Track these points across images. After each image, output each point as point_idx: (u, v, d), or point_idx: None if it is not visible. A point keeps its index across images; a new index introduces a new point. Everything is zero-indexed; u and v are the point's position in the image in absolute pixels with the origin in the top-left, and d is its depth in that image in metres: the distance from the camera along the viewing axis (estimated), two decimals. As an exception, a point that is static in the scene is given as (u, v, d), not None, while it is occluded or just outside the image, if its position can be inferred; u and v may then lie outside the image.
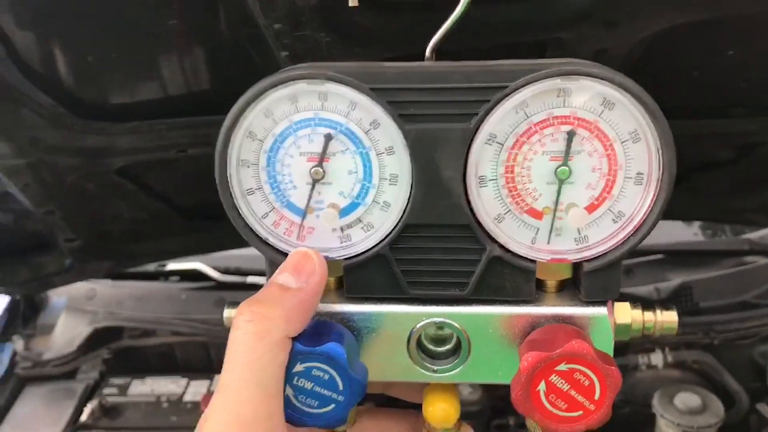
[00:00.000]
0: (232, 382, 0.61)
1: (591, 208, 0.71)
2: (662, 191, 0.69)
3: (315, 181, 0.71)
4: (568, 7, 0.87)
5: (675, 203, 0.70)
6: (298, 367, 0.66)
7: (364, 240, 0.74)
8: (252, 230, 0.74)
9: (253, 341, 0.62)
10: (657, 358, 1.75)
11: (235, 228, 0.74)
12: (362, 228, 0.73)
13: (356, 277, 0.74)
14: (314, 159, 0.71)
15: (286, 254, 0.73)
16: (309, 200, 0.72)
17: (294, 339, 0.66)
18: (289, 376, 0.66)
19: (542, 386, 0.67)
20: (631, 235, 0.71)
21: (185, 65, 1.08)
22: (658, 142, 0.67)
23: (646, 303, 0.75)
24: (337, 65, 0.68)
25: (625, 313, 0.73)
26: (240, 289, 2.14)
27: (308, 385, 0.67)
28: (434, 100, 0.67)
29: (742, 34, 0.97)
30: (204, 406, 1.75)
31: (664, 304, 0.75)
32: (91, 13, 0.95)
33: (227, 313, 0.76)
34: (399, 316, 0.75)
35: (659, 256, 2.10)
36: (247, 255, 2.13)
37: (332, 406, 0.68)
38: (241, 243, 1.73)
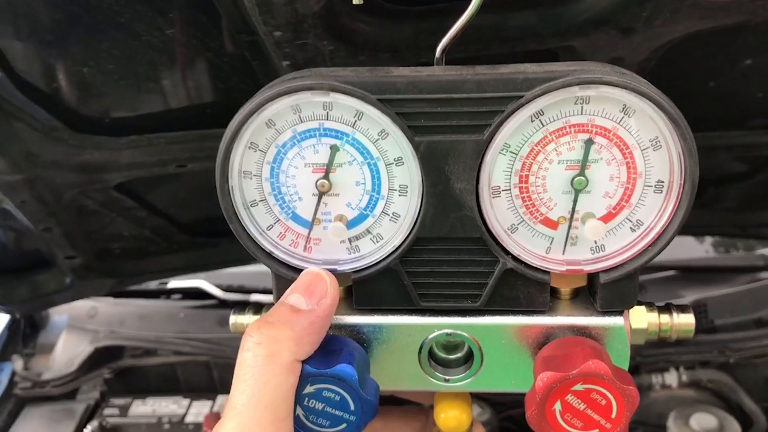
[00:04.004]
0: (242, 405, 0.60)
1: (608, 217, 0.68)
2: (683, 200, 0.66)
3: (321, 193, 0.68)
4: (582, 14, 0.84)
5: (688, 218, 0.67)
6: (309, 389, 0.65)
7: (373, 252, 0.71)
8: (255, 242, 0.71)
9: (262, 364, 0.61)
10: (671, 378, 1.70)
11: (237, 244, 0.71)
12: (371, 239, 0.71)
13: (365, 289, 0.72)
14: (320, 170, 0.68)
15: (290, 267, 0.71)
16: (315, 212, 0.69)
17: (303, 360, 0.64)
18: (299, 398, 0.64)
19: (558, 405, 0.65)
20: (651, 245, 0.68)
21: (184, 77, 1.05)
22: (680, 150, 0.64)
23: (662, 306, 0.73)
24: (342, 73, 0.65)
25: (641, 318, 0.71)
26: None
27: (319, 406, 0.65)
28: (445, 111, 0.64)
29: (761, 43, 0.94)
30: (206, 427, 1.71)
31: (681, 306, 0.72)
32: (88, 24, 0.92)
33: (233, 319, 0.76)
34: (410, 328, 0.72)
35: (672, 272, 2.06)
36: (250, 272, 2.10)
37: (344, 425, 0.66)
38: (244, 260, 1.69)
